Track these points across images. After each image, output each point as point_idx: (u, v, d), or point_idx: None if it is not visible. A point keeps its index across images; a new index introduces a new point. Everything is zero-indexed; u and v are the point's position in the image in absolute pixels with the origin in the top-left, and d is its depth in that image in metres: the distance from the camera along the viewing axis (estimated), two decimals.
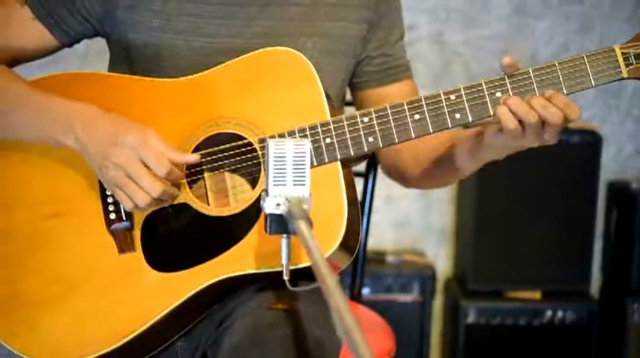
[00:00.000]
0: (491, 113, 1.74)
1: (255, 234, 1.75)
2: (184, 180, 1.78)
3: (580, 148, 3.43)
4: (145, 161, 1.70)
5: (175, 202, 1.79)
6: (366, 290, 3.41)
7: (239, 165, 1.82)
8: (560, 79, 1.74)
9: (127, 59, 1.92)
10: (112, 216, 1.80)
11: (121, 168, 1.71)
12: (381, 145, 1.77)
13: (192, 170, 1.81)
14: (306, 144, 1.52)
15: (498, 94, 1.74)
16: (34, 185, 1.84)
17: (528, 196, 3.44)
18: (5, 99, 1.82)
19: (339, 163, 1.77)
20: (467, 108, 1.75)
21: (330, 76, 1.84)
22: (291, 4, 1.92)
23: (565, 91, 1.74)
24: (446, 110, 1.76)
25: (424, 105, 1.76)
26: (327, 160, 1.76)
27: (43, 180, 1.84)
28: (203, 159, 1.81)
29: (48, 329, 1.80)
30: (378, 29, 2.00)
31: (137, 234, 1.80)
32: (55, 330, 1.80)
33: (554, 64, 1.74)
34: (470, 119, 1.76)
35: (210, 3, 1.89)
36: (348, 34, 1.97)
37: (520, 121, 1.70)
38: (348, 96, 2.09)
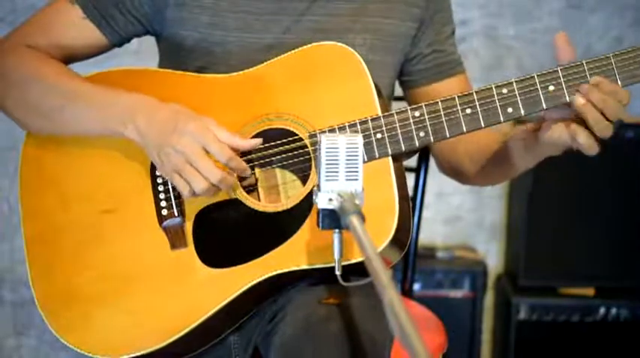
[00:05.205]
0: (544, 106, 1.73)
1: (306, 230, 1.75)
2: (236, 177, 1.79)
3: (634, 143, 3.38)
4: (206, 147, 1.71)
5: (227, 198, 1.79)
6: (416, 286, 3.39)
7: (290, 161, 1.82)
8: (615, 71, 1.71)
9: (178, 57, 1.93)
10: (164, 212, 1.81)
11: (181, 153, 1.71)
12: (432, 140, 1.76)
13: None
14: (359, 139, 1.52)
15: (551, 88, 1.72)
16: (89, 181, 1.86)
17: (581, 191, 3.40)
18: (62, 94, 1.84)
19: (390, 158, 1.76)
20: (519, 101, 1.73)
21: (379, 73, 1.83)
22: (341, 0, 1.92)
23: (620, 84, 1.71)
24: (498, 104, 1.74)
25: (476, 100, 1.75)
26: (377, 156, 1.76)
27: (97, 177, 1.86)
28: (254, 155, 1.82)
29: (101, 324, 1.81)
30: (429, 27, 1.99)
31: (189, 230, 1.81)
32: (108, 325, 1.81)
33: (609, 57, 1.72)
34: (522, 113, 1.74)
35: None
36: (398, 32, 1.96)
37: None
38: (398, 91, 2.08)
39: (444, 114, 1.75)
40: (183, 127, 1.71)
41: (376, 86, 1.79)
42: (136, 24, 1.93)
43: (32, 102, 1.86)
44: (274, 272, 1.76)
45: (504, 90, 1.74)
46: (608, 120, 1.67)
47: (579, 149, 1.71)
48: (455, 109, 1.75)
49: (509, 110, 1.74)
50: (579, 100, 1.69)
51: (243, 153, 1.80)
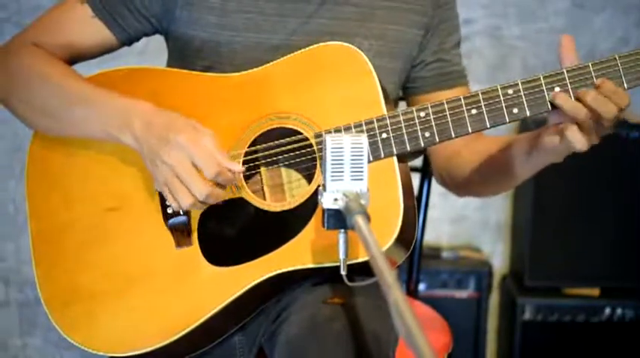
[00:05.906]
0: (550, 108, 1.73)
1: (311, 229, 1.75)
2: (241, 177, 1.79)
3: (639, 143, 3.37)
4: (194, 161, 1.71)
5: (232, 197, 1.79)
6: (421, 286, 3.39)
7: (295, 160, 1.82)
8: (621, 72, 1.71)
9: (185, 56, 1.94)
10: (170, 210, 1.82)
11: (170, 167, 1.71)
12: (437, 140, 1.76)
13: (249, 165, 1.81)
14: (364, 139, 1.52)
15: (557, 89, 1.72)
16: (94, 179, 1.86)
17: (587, 192, 3.39)
18: (65, 96, 1.85)
19: (395, 158, 1.76)
20: (524, 102, 1.73)
21: (384, 79, 1.83)
22: (349, 4, 1.92)
23: (626, 86, 1.71)
24: (503, 105, 1.74)
25: (481, 100, 1.75)
26: (383, 155, 1.76)
27: (102, 175, 1.86)
28: (259, 154, 1.82)
29: (106, 323, 1.82)
30: (434, 35, 1.99)
31: (194, 228, 1.81)
32: (113, 323, 1.82)
33: (615, 58, 1.71)
34: (527, 114, 1.74)
35: (268, 0, 1.90)
36: (404, 38, 1.96)
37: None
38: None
39: (450, 114, 1.75)
40: (174, 138, 1.70)
41: (382, 86, 1.79)
42: (145, 23, 1.93)
43: (37, 103, 1.86)
44: (278, 271, 1.76)
45: (510, 91, 1.74)
46: (604, 119, 1.67)
47: (570, 147, 1.70)
48: (460, 110, 1.75)
49: (515, 111, 1.74)
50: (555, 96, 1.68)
51: (248, 153, 1.80)
